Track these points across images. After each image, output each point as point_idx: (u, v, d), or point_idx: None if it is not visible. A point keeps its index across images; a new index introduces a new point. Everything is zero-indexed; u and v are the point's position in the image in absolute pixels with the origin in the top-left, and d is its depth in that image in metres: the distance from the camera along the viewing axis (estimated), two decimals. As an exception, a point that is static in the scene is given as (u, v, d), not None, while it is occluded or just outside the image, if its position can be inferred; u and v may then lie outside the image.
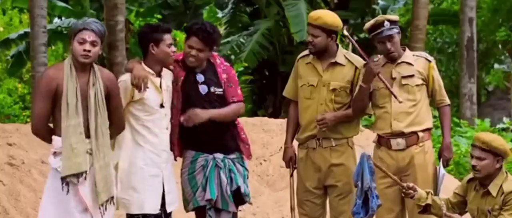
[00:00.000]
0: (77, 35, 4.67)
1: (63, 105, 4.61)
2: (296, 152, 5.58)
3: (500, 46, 23.07)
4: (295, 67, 5.58)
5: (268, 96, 17.91)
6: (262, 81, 18.21)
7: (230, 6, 18.43)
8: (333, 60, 5.40)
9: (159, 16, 19.50)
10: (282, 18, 16.58)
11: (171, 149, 5.19)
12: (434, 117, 5.68)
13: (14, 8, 21.32)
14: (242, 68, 18.48)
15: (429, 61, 5.42)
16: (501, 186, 4.84)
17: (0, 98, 18.77)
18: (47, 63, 10.77)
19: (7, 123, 12.77)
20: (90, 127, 4.67)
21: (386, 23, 5.27)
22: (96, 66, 4.77)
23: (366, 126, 11.00)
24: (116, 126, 4.89)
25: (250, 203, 5.56)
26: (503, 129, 14.36)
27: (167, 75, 5.17)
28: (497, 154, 4.84)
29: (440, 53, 22.57)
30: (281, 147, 6.61)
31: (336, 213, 5.45)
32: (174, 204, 5.19)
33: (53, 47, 20.43)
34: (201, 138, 5.18)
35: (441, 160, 5.44)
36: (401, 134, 5.31)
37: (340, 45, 5.48)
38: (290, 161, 5.60)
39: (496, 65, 24.30)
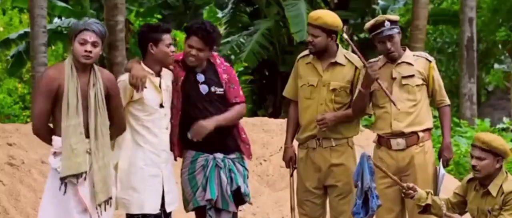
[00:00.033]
0: (78, 36, 4.66)
1: (64, 105, 4.61)
2: (296, 152, 5.58)
3: (500, 46, 23.07)
4: (295, 67, 5.58)
5: (268, 96, 17.92)
6: (262, 81, 18.21)
7: (230, 6, 18.43)
8: (333, 60, 5.40)
9: (159, 16, 19.50)
10: (282, 18, 16.58)
11: (171, 149, 5.19)
12: (434, 117, 5.68)
13: (14, 8, 21.33)
14: (242, 68, 18.49)
15: (430, 61, 5.42)
16: (501, 186, 4.84)
17: (0, 98, 18.77)
18: (47, 63, 10.77)
19: (7, 123, 12.78)
20: (89, 127, 4.67)
21: (387, 23, 5.28)
22: (96, 67, 4.77)
23: (366, 126, 11.00)
24: (117, 126, 4.89)
25: (250, 203, 5.56)
26: (503, 129, 14.36)
27: (167, 75, 5.17)
28: (497, 154, 4.84)
29: (440, 53, 22.57)
30: (281, 147, 6.62)
31: (336, 213, 5.45)
32: (174, 204, 5.19)
33: (53, 47, 20.43)
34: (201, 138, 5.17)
35: (441, 160, 5.44)
36: (401, 134, 5.31)
37: (340, 45, 5.48)
38: (290, 161, 5.60)
39: (496, 65, 24.30)
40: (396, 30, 5.32)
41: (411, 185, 5.06)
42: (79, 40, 4.65)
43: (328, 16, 5.37)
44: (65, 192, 4.62)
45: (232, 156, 5.27)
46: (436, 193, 5.28)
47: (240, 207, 5.53)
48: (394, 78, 5.34)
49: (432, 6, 20.76)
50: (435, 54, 20.64)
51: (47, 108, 4.66)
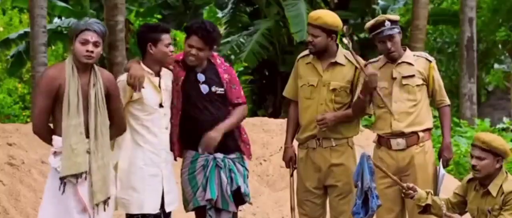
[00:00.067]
0: (79, 36, 4.66)
1: (64, 105, 4.61)
2: (296, 152, 5.58)
3: (500, 46, 23.08)
4: (295, 67, 5.58)
5: (268, 96, 17.92)
6: (262, 81, 18.22)
7: (230, 6, 18.43)
8: (333, 60, 5.40)
9: (159, 16, 19.49)
10: (282, 18, 16.58)
11: (171, 149, 5.19)
12: (434, 117, 5.68)
13: (14, 8, 21.33)
14: (242, 68, 18.48)
15: (430, 61, 5.42)
16: (501, 186, 4.84)
17: (0, 98, 18.76)
18: (47, 63, 10.76)
19: (7, 123, 12.77)
20: (90, 127, 4.67)
21: (387, 23, 5.28)
22: (96, 67, 4.78)
23: (366, 126, 11.00)
24: (117, 126, 4.89)
25: (250, 203, 5.56)
26: (503, 129, 14.36)
27: (167, 75, 5.17)
28: (497, 154, 4.84)
29: (440, 53, 22.58)
30: (281, 147, 6.61)
31: (336, 213, 5.45)
32: (174, 204, 5.19)
33: (53, 47, 20.42)
34: (201, 138, 5.17)
35: (441, 160, 5.44)
36: (401, 134, 5.31)
37: (340, 45, 5.47)
38: (290, 161, 5.60)
39: (496, 65, 24.31)
40: (396, 30, 5.32)
41: (411, 185, 5.06)
42: (81, 40, 4.65)
43: (328, 16, 5.37)
44: (63, 191, 4.62)
45: (232, 156, 5.27)
46: (436, 193, 5.28)
47: (240, 207, 5.53)
48: (394, 78, 5.34)
49: (432, 6, 20.76)
50: (435, 54, 20.64)
51: (48, 107, 4.66)
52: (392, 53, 5.33)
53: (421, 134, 5.33)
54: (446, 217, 5.02)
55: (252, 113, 16.86)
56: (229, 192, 5.16)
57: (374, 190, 4.91)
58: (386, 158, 5.35)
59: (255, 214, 7.80)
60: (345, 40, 5.20)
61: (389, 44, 5.30)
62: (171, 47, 5.11)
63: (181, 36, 17.62)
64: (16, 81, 21.59)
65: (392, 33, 5.30)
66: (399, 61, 5.37)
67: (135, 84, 4.90)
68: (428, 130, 5.41)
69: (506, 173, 4.93)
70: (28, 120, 16.10)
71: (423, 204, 5.04)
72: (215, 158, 5.18)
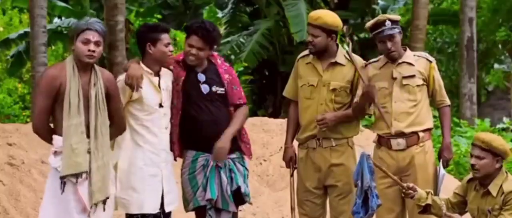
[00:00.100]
0: (80, 35, 4.67)
1: (65, 104, 4.61)
2: (296, 152, 5.58)
3: (500, 46, 23.08)
4: (295, 67, 5.58)
5: (268, 96, 17.92)
6: (262, 81, 18.22)
7: (230, 6, 18.43)
8: (333, 60, 5.40)
9: (159, 16, 19.49)
10: (282, 18, 16.58)
11: (171, 149, 5.19)
12: (434, 117, 5.68)
13: (14, 8, 21.32)
14: (242, 68, 18.47)
15: (430, 61, 5.42)
16: (501, 186, 4.84)
17: (0, 98, 18.75)
18: (47, 63, 10.77)
19: (7, 123, 12.77)
20: (90, 126, 4.67)
21: (388, 23, 5.28)
22: (96, 67, 4.78)
23: (366, 126, 11.00)
24: (117, 126, 4.89)
25: (250, 203, 5.56)
26: (503, 129, 14.36)
27: (167, 75, 5.17)
28: (496, 154, 4.84)
29: (440, 53, 22.58)
30: (281, 147, 6.61)
31: (336, 213, 5.45)
32: (174, 204, 5.19)
33: (53, 47, 20.42)
34: (202, 138, 5.17)
35: (441, 160, 5.44)
36: (401, 134, 5.31)
37: (340, 45, 5.47)
38: (290, 161, 5.60)
39: (496, 65, 24.31)
40: (397, 30, 5.32)
41: (411, 185, 5.07)
42: (82, 39, 4.66)
43: (328, 16, 5.37)
44: (63, 190, 4.62)
45: (233, 155, 5.27)
46: (436, 193, 5.28)
47: (240, 207, 5.53)
48: (394, 78, 5.34)
49: (432, 6, 20.76)
50: (435, 54, 20.64)
51: (48, 107, 4.66)
52: (392, 53, 5.33)
53: (421, 134, 5.33)
54: (446, 217, 5.03)
55: (252, 113, 16.86)
56: (229, 192, 5.16)
57: (374, 189, 4.91)
58: (386, 158, 5.35)
59: (255, 214, 7.80)
60: (346, 47, 5.23)
61: (389, 44, 5.30)
62: (171, 47, 5.11)
63: (181, 36, 17.61)
64: (16, 81, 21.58)
65: (393, 33, 5.30)
66: (400, 61, 5.37)
67: (132, 84, 4.90)
68: (428, 130, 5.41)
69: (506, 173, 4.93)
70: (28, 120, 16.09)
71: (423, 204, 5.04)
72: (215, 158, 5.18)
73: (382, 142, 5.39)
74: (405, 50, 5.43)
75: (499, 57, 24.31)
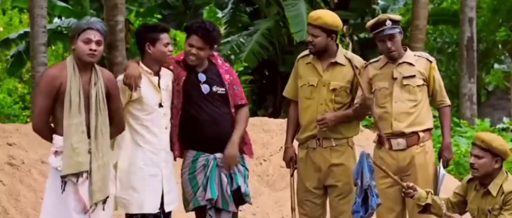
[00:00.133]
0: (81, 35, 4.67)
1: (66, 104, 4.62)
2: (296, 152, 5.58)
3: (500, 46, 23.08)
4: (295, 67, 5.58)
5: (268, 96, 17.92)
6: (262, 81, 18.21)
7: (230, 6, 18.43)
8: (333, 60, 5.40)
9: (159, 16, 19.49)
10: (282, 18, 16.58)
11: (171, 149, 5.19)
12: (434, 117, 5.68)
13: (14, 8, 21.32)
14: (242, 68, 18.47)
15: (430, 61, 5.42)
16: (501, 185, 4.84)
17: (0, 98, 18.75)
18: (47, 63, 10.77)
19: (7, 123, 12.77)
20: (90, 126, 4.67)
21: (388, 23, 5.28)
22: (97, 66, 4.78)
23: (366, 126, 11.00)
24: (117, 125, 4.89)
25: (250, 203, 5.54)
26: (503, 129, 14.36)
27: (167, 75, 5.17)
28: (496, 154, 4.85)
29: (440, 53, 22.57)
30: (281, 147, 6.62)
31: (336, 213, 5.45)
32: (174, 203, 5.18)
33: (53, 47, 20.42)
34: (202, 138, 5.17)
35: (441, 160, 5.44)
36: (401, 134, 5.31)
37: (340, 45, 5.48)
38: (290, 161, 5.60)
39: (496, 65, 24.31)
40: (397, 30, 5.32)
41: (411, 184, 5.07)
42: (83, 39, 4.66)
43: (328, 16, 5.37)
44: (63, 190, 4.62)
45: (233, 156, 5.27)
46: (436, 193, 5.28)
47: (240, 207, 5.52)
48: (395, 78, 5.34)
49: (432, 6, 20.75)
50: (435, 54, 20.64)
51: (48, 107, 4.66)
52: (392, 52, 5.33)
53: (421, 134, 5.34)
54: (446, 216, 5.03)
55: (252, 113, 16.85)
56: (229, 192, 5.16)
57: (373, 188, 4.91)
58: (386, 158, 5.35)
59: (255, 214, 7.80)
60: (358, 76, 5.27)
61: (389, 44, 5.30)
62: (170, 47, 5.11)
63: (181, 36, 17.61)
64: (16, 81, 21.57)
65: (393, 33, 5.30)
66: (400, 61, 5.37)
67: (130, 84, 4.90)
68: (429, 130, 5.41)
69: (506, 172, 4.93)
70: (28, 120, 16.09)
71: (423, 204, 5.04)
72: (215, 158, 5.18)
73: (382, 142, 5.39)
74: (405, 50, 5.43)
75: (499, 57, 24.31)
